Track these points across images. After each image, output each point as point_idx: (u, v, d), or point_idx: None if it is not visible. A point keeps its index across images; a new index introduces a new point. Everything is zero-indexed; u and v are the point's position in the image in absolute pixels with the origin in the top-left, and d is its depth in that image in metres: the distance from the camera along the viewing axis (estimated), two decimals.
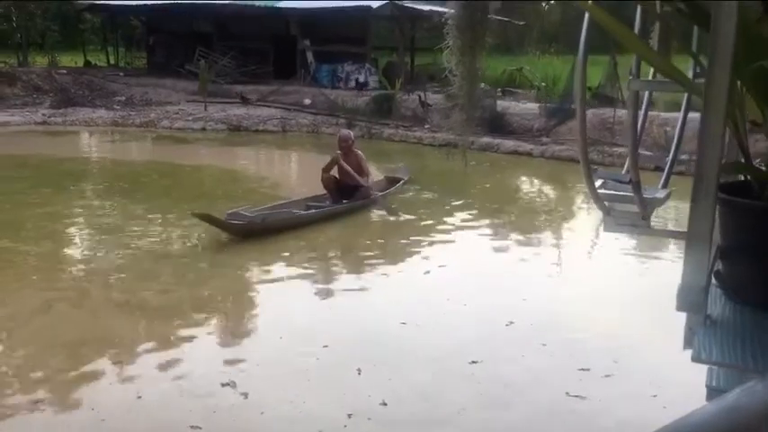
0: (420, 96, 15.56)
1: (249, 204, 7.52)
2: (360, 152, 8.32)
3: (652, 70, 2.62)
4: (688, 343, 1.25)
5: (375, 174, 8.98)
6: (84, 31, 27.26)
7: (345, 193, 8.09)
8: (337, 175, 8.11)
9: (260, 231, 6.72)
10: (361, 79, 17.47)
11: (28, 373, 4.07)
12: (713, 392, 1.40)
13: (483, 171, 11.78)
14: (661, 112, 10.91)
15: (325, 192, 8.10)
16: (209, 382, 3.97)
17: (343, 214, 7.82)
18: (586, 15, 1.99)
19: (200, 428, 3.46)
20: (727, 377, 1.37)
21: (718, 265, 1.43)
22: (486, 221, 8.14)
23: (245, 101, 16.63)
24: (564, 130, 13.42)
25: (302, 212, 7.52)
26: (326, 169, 8.08)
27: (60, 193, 9.09)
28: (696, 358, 1.13)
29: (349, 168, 8.02)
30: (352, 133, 8.72)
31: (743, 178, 1.48)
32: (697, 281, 1.17)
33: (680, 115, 2.69)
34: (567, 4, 33.67)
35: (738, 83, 1.38)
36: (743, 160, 1.47)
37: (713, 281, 1.41)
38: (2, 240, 6.69)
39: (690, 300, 1.17)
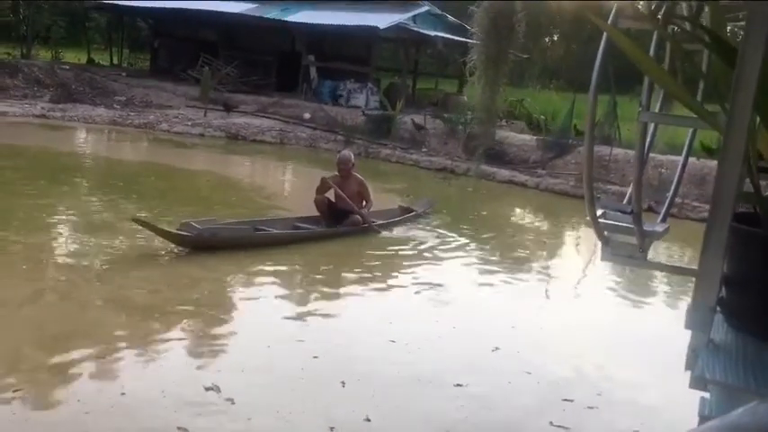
0: (413, 119, 15.67)
1: (247, 211, 7.53)
2: (360, 176, 7.96)
3: (659, 104, 2.68)
4: (689, 365, 1.28)
5: (379, 201, 8.64)
6: (89, 29, 27.39)
7: (339, 218, 7.70)
8: (332, 198, 7.77)
9: (210, 246, 6.42)
10: (363, 99, 17.60)
11: (15, 362, 4.03)
12: (706, 422, 1.42)
13: (479, 198, 11.87)
14: (657, 155, 11.04)
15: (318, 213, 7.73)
16: (193, 384, 3.95)
17: (323, 239, 7.40)
18: (602, 45, 2.03)
19: (188, 430, 3.44)
20: (720, 406, 1.39)
21: (722, 292, 1.46)
22: (480, 248, 8.17)
23: (227, 108, 16.66)
24: (560, 164, 13.55)
25: (267, 232, 7.13)
26: (320, 191, 7.72)
27: (55, 187, 9.07)
28: (699, 378, 1.16)
29: (342, 194, 7.64)
30: (352, 155, 8.20)
31: (753, 209, 1.52)
32: (707, 301, 1.20)
33: (684, 150, 2.75)
34: (572, 41, 34.09)
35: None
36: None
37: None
38: None
39: (698, 319, 1.20)
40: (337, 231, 7.57)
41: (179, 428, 3.44)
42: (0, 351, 4.15)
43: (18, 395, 3.64)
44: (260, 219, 7.60)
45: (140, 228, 6.44)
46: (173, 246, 6.47)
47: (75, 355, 4.25)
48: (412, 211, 8.83)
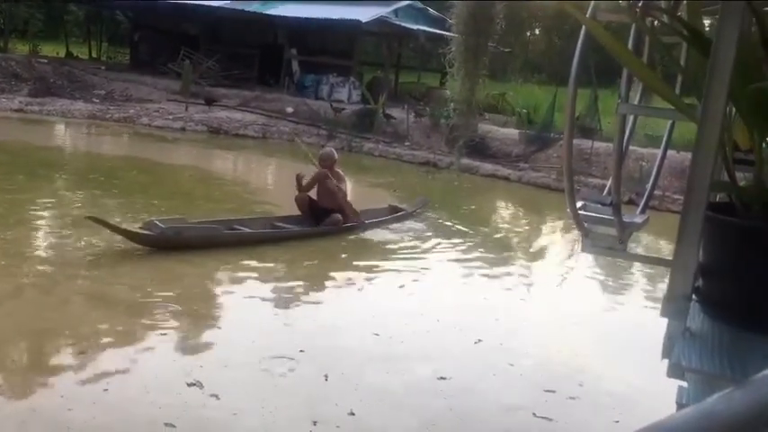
0: (383, 109, 15.60)
1: (232, 206, 7.45)
2: (342, 173, 7.69)
3: (638, 96, 2.70)
4: (666, 353, 1.30)
5: (366, 196, 8.57)
6: (67, 23, 27.05)
7: (320, 217, 7.45)
8: (314, 196, 7.50)
9: (174, 246, 6.19)
10: (345, 93, 17.55)
11: None
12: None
13: (462, 192, 11.90)
14: (637, 147, 11.13)
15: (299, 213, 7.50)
16: (175, 380, 3.92)
17: (296, 239, 7.12)
18: (581, 38, 2.05)
19: (175, 427, 3.43)
20: (697, 393, 1.41)
21: (698, 281, 1.48)
22: (464, 242, 8.19)
23: (209, 102, 16.56)
24: (542, 158, 13.63)
25: (234, 231, 6.88)
26: (305, 188, 7.45)
27: (34, 181, 8.96)
28: (675, 366, 1.18)
29: (334, 189, 7.36)
30: (335, 152, 7.90)
31: (728, 198, 1.54)
32: (682, 290, 1.22)
33: (662, 142, 2.78)
34: (554, 34, 34.23)
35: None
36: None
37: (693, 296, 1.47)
38: None
39: (673, 307, 1.22)
40: (315, 231, 7.33)
41: (166, 424, 3.43)
42: None
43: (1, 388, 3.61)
44: (237, 218, 7.34)
45: (119, 223, 6.38)
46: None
47: (56, 350, 4.23)
48: (401, 210, 8.64)
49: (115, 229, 6.13)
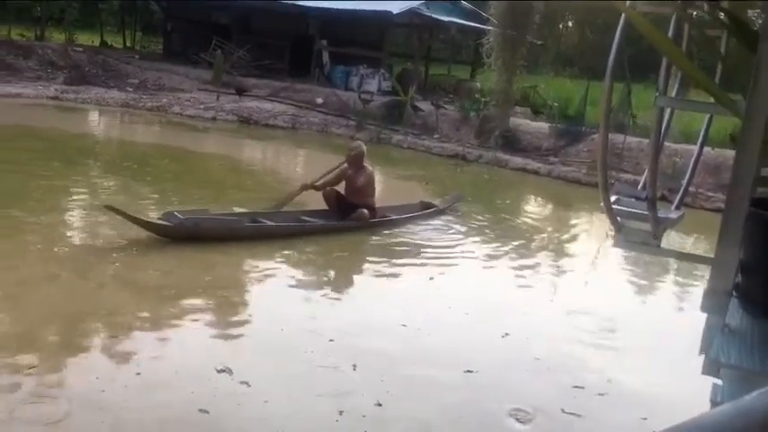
0: (411, 101, 15.53)
1: (262, 195, 7.44)
2: (370, 168, 7.51)
3: (675, 89, 2.66)
4: (704, 349, 1.28)
5: (396, 189, 8.45)
6: (102, 12, 27.40)
7: (347, 212, 7.29)
8: (342, 191, 7.39)
9: (193, 237, 6.13)
10: (375, 84, 17.53)
11: (31, 341, 4.09)
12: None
13: (492, 186, 11.84)
14: (671, 144, 10.96)
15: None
16: (205, 366, 3.97)
17: (319, 234, 7.01)
18: (619, 28, 2.02)
19: (209, 413, 3.47)
20: (732, 391, 1.39)
21: (738, 278, 1.46)
22: (493, 235, 8.15)
23: (239, 92, 16.66)
24: (572, 152, 13.49)
25: (253, 223, 6.79)
26: (332, 182, 7.35)
27: (69, 168, 9.14)
28: (713, 362, 1.16)
29: (360, 186, 7.25)
30: (364, 146, 7.66)
31: None
32: (722, 285, 1.20)
33: (700, 137, 2.73)
34: (587, 27, 33.77)
35: None
36: None
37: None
38: (11, 209, 6.71)
39: (713, 303, 1.21)
40: (340, 226, 7.19)
41: (200, 411, 3.48)
42: (17, 330, 4.21)
43: (33, 372, 3.70)
44: (262, 210, 7.20)
45: (153, 209, 6.47)
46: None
47: (89, 333, 4.32)
48: (433, 206, 8.42)
49: (132, 218, 6.06)
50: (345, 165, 7.41)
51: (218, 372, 3.92)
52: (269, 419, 3.52)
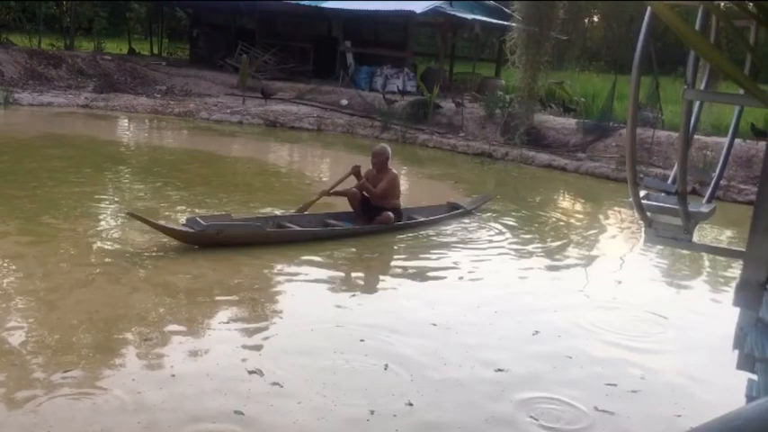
0: (430, 98, 15.49)
1: (290, 197, 7.46)
2: (394, 171, 7.52)
3: (704, 82, 2.62)
4: (738, 344, 1.27)
5: (424, 188, 8.39)
6: (129, 20, 27.81)
7: (372, 214, 7.31)
8: (366, 193, 7.37)
9: (216, 243, 6.17)
10: (400, 84, 17.53)
11: (69, 344, 4.18)
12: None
13: (520, 183, 11.76)
14: (701, 136, 10.80)
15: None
16: (237, 367, 4.03)
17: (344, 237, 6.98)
18: (645, 20, 2.00)
19: (244, 414, 3.52)
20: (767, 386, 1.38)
21: None
22: (522, 233, 8.10)
23: (265, 96, 16.79)
24: (600, 147, 13.34)
25: (277, 228, 6.81)
26: (359, 186, 7.35)
27: (100, 174, 9.30)
28: (747, 357, 1.15)
29: (380, 191, 7.26)
30: (389, 148, 7.61)
31: None
32: (755, 278, 1.19)
33: (730, 129, 2.69)
34: (613, 21, 33.38)
35: None
36: None
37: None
38: (43, 216, 6.87)
39: (746, 297, 1.20)
40: (365, 230, 7.17)
41: (236, 412, 3.52)
42: (54, 334, 4.30)
43: (70, 374, 3.78)
44: (287, 214, 7.25)
45: (182, 215, 6.54)
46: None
47: (125, 336, 4.39)
48: (461, 207, 8.31)
49: (156, 225, 6.12)
50: (370, 168, 7.45)
51: (250, 373, 3.96)
52: (301, 420, 3.54)
